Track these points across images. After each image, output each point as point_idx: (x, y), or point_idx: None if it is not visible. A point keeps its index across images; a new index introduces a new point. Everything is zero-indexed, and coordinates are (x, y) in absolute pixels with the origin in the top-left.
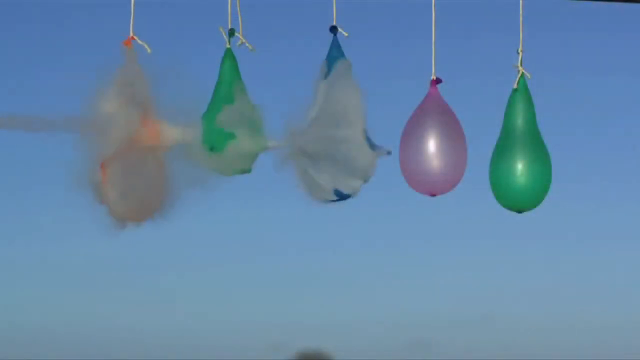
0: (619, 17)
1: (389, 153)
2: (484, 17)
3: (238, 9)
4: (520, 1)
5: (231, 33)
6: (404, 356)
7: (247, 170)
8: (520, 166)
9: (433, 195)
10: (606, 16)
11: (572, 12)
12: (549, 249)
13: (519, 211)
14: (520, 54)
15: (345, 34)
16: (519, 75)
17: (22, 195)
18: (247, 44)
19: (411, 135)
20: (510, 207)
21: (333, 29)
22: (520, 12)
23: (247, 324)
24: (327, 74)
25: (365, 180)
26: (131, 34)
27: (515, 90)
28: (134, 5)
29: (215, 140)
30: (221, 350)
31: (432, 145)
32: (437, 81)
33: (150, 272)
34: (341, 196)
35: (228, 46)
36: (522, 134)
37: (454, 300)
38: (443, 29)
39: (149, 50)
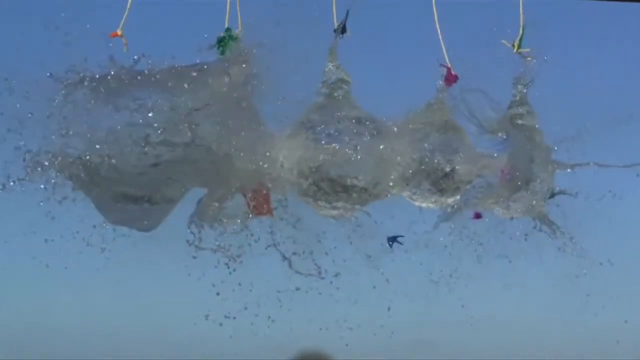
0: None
1: None
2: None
3: (238, 10)
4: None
5: (226, 32)
6: (405, 356)
7: None
8: None
9: (478, 217)
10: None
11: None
12: (548, 249)
13: None
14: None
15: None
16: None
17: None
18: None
19: None
20: None
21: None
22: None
23: (247, 323)
24: None
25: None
26: (120, 31)
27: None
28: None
29: None
30: (221, 350)
31: None
32: (453, 77)
33: (150, 272)
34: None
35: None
36: None
37: (455, 300)
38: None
39: (126, 49)
